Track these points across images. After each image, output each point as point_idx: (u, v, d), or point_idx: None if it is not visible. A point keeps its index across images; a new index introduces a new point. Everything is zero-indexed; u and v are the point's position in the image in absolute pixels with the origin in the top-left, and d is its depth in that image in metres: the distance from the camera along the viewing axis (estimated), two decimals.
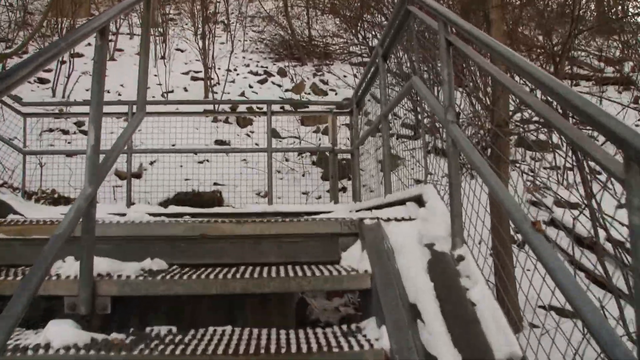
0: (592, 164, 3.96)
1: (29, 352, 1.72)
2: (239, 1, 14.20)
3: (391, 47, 4.09)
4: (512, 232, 4.06)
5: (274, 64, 11.95)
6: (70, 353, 1.73)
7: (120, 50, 11.72)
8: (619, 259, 3.58)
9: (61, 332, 1.82)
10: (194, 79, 10.79)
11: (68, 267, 2.21)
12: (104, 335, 1.88)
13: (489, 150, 4.00)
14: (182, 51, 11.85)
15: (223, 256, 2.48)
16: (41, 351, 1.73)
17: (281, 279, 2.11)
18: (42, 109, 7.43)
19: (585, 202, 3.43)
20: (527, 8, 7.72)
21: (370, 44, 10.22)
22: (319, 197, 6.98)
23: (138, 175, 6.85)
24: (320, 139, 8.31)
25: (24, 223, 2.61)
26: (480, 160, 2.01)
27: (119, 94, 9.42)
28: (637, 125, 6.48)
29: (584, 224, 3.80)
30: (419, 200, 2.79)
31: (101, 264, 2.18)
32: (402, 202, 3.05)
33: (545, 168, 6.58)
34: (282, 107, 8.90)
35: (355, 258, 2.34)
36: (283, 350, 1.75)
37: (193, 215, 4.65)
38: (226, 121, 8.78)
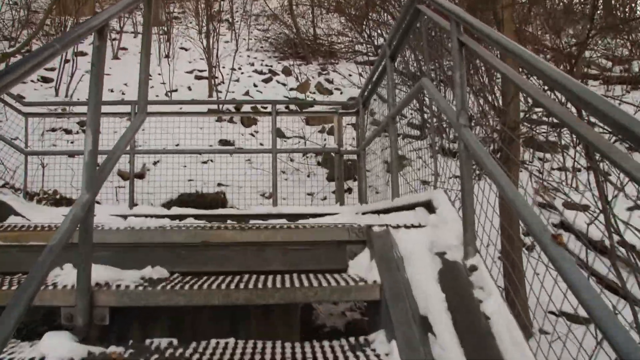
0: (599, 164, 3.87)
1: None
2: None
3: (399, 47, 3.99)
4: (521, 235, 3.97)
5: (279, 63, 11.87)
6: None
7: (124, 49, 11.67)
8: (633, 263, 3.48)
9: (57, 345, 1.76)
10: (198, 77, 10.73)
11: (65, 275, 2.13)
12: (102, 348, 1.80)
13: (498, 153, 3.91)
14: (186, 50, 11.80)
15: (226, 264, 2.40)
16: None
17: (286, 289, 2.03)
18: (45, 108, 7.37)
19: (599, 206, 3.33)
20: (534, 7, 7.61)
21: (376, 43, 10.13)
22: (324, 198, 6.90)
23: (141, 176, 6.79)
24: (325, 139, 8.22)
25: (21, 229, 2.54)
26: (495, 167, 1.92)
27: (123, 93, 9.37)
28: None
29: (595, 227, 3.71)
30: (429, 206, 2.69)
31: (100, 272, 2.10)
32: (410, 207, 2.96)
33: (553, 169, 6.47)
34: (287, 107, 8.82)
35: (363, 267, 2.26)
36: None
37: (196, 216, 4.61)
38: (230, 121, 8.69)
